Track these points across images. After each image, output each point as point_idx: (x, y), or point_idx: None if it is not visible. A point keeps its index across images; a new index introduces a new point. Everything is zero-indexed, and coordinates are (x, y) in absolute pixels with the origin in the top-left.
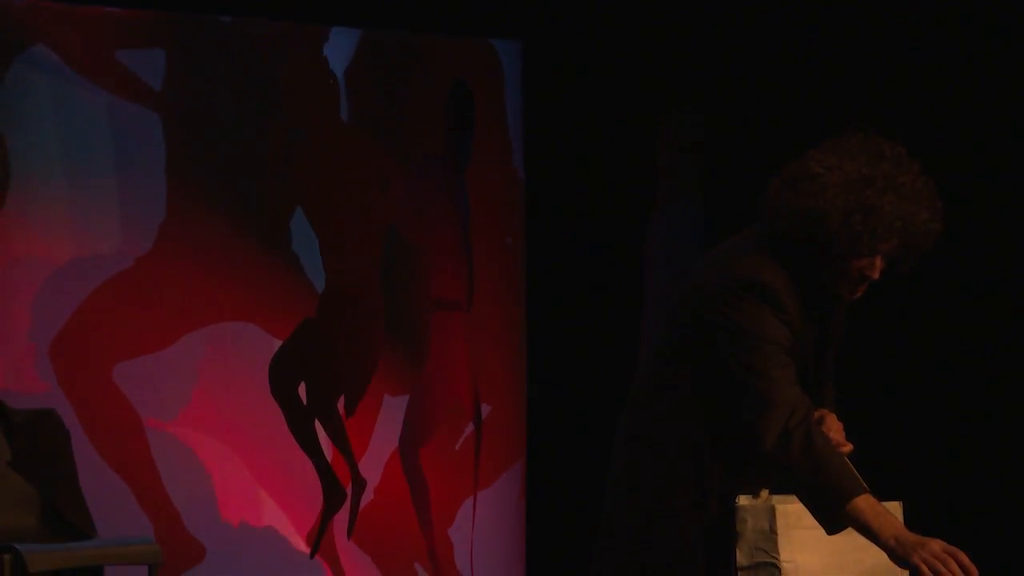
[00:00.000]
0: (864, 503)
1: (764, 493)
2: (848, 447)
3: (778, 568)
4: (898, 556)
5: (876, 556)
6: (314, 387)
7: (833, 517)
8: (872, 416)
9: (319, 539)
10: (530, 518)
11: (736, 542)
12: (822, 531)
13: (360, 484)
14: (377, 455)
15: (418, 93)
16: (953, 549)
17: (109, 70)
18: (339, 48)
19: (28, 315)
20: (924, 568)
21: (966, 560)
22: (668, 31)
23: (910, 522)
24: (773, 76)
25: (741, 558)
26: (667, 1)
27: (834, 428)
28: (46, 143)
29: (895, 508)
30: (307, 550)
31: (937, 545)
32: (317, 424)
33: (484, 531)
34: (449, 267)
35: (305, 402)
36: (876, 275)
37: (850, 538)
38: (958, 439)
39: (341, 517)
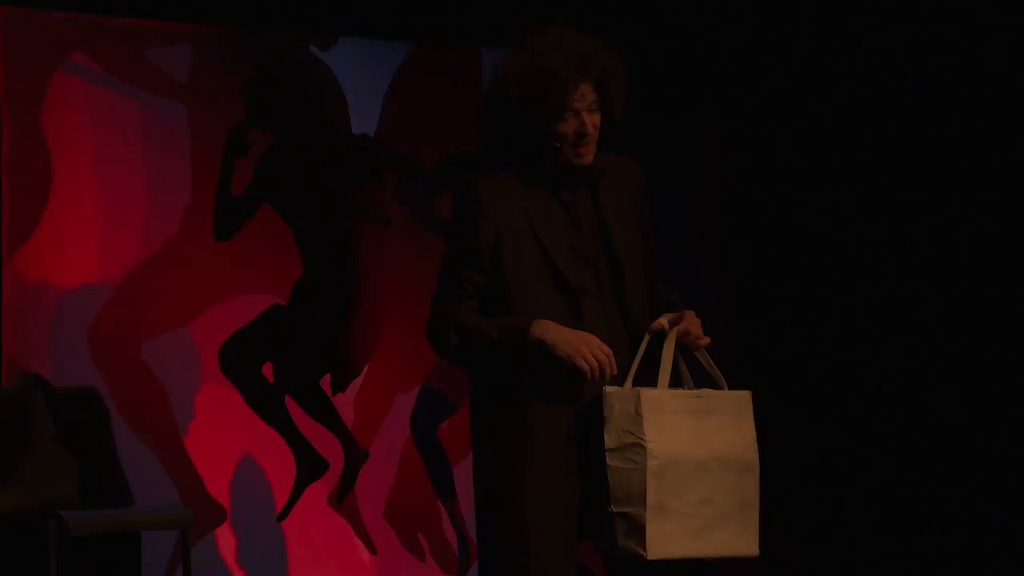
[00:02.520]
0: (537, 329)
1: (628, 383)
2: (706, 340)
3: (643, 447)
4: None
5: (729, 440)
6: (280, 367)
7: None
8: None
9: (288, 507)
10: None
11: (604, 426)
12: (683, 415)
13: (358, 455)
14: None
15: (422, 98)
16: (598, 344)
17: (140, 70)
18: (343, 57)
19: (56, 304)
20: (580, 362)
21: (607, 349)
22: (664, 36)
23: (759, 411)
24: (767, 77)
25: (608, 440)
26: (664, 5)
27: (693, 323)
28: (81, 138)
29: (745, 397)
30: (329, 509)
31: (584, 346)
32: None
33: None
34: None
35: (272, 380)
36: (590, 129)
37: (707, 423)
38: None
39: (365, 486)
